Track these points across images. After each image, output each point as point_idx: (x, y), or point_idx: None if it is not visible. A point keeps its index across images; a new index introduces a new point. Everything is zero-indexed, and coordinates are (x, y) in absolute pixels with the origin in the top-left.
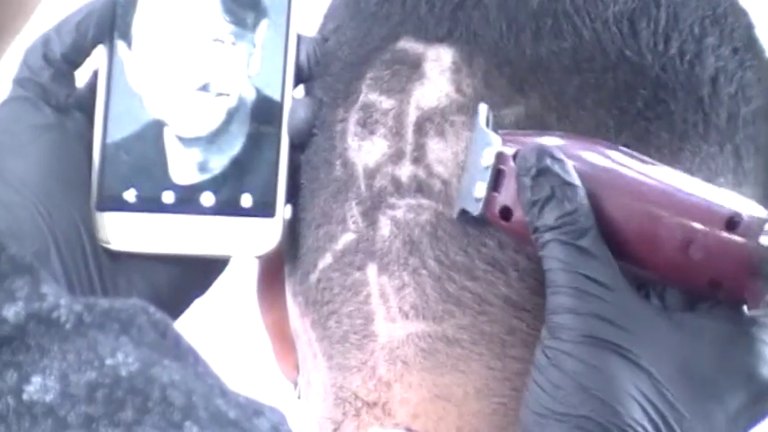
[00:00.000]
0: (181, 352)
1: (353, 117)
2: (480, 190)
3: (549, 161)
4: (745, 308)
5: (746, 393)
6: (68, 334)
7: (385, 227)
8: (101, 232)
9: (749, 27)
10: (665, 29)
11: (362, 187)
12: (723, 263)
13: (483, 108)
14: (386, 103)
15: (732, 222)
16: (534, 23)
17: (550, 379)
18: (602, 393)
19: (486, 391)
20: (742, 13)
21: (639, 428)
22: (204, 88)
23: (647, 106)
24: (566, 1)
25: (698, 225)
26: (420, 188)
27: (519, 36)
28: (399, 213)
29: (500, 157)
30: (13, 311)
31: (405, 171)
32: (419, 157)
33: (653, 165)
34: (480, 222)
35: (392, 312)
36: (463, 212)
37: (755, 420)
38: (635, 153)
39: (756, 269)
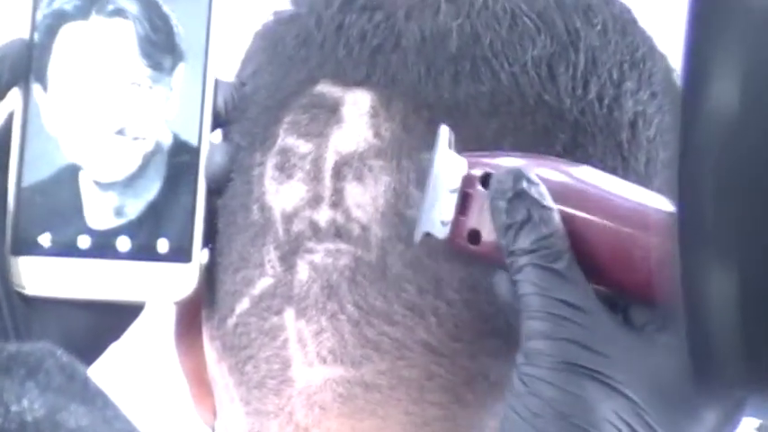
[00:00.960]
0: (89, 395)
1: (271, 161)
2: (447, 213)
3: (525, 184)
4: None
5: (722, 409)
6: None
7: (303, 271)
8: (15, 276)
9: (668, 71)
10: (584, 73)
11: (280, 231)
12: None
13: (445, 130)
14: (304, 147)
15: None
16: (453, 67)
17: (528, 406)
18: (580, 420)
19: None
20: (660, 58)
21: None
22: (120, 132)
23: (566, 150)
24: (484, 45)
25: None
26: (338, 233)
27: (437, 80)
28: (317, 258)
29: (467, 180)
30: None
31: (323, 215)
32: (337, 202)
33: (618, 181)
34: (446, 246)
35: (310, 357)
36: (427, 236)
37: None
38: (597, 170)
39: None
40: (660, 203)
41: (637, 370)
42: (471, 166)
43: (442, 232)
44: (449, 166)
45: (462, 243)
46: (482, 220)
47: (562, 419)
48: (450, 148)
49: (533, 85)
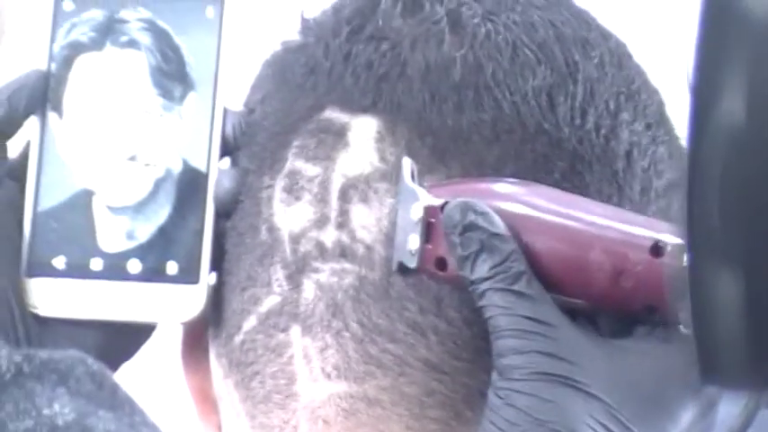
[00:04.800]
0: (117, 402)
1: (279, 184)
2: (414, 243)
3: (473, 216)
4: (681, 327)
5: (696, 406)
6: (7, 385)
7: (309, 290)
8: (29, 297)
9: (660, 104)
10: (582, 104)
11: (288, 251)
12: (654, 288)
13: (407, 162)
14: (311, 170)
15: (657, 249)
16: (456, 95)
17: (505, 417)
18: (557, 425)
19: None
20: (654, 91)
21: None
22: (132, 159)
23: (564, 177)
24: (486, 75)
25: (625, 255)
26: (344, 253)
27: (441, 107)
28: (323, 277)
29: (428, 210)
30: None
31: (329, 236)
32: (343, 223)
33: (577, 198)
34: (416, 274)
35: (315, 373)
36: (401, 265)
37: (704, 428)
38: (557, 189)
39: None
40: (616, 218)
41: (608, 375)
42: (435, 194)
43: (412, 261)
44: (412, 197)
45: (431, 270)
46: (447, 247)
47: (540, 425)
48: (413, 179)
49: (533, 114)
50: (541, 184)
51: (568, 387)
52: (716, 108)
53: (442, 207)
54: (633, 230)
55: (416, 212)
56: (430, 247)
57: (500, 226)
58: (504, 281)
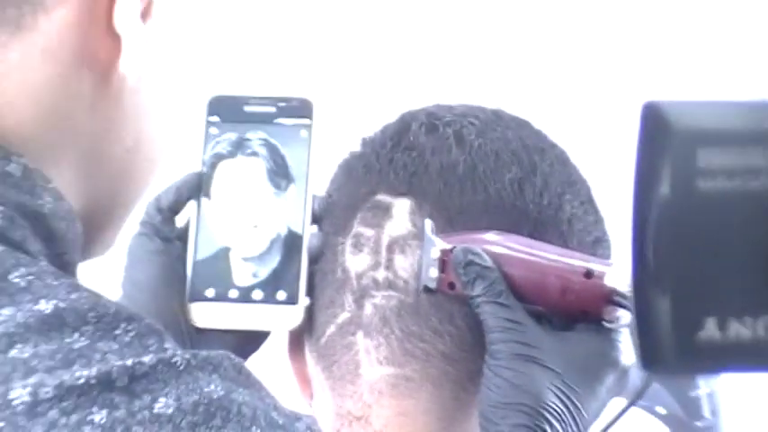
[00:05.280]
0: (251, 383)
1: (348, 241)
2: (434, 273)
3: (471, 256)
4: (604, 323)
5: (614, 373)
6: (181, 372)
7: (368, 308)
8: (191, 315)
9: (588, 189)
10: (540, 189)
11: (354, 284)
12: (587, 299)
13: (428, 223)
14: (369, 232)
15: (588, 273)
16: (459, 185)
17: (495, 384)
18: (528, 387)
19: (429, 411)
20: (584, 180)
21: (553, 405)
22: (256, 227)
23: (530, 236)
24: (479, 171)
25: (568, 279)
26: (390, 285)
27: (451, 193)
28: (377, 300)
29: (443, 251)
30: (147, 358)
31: (380, 274)
32: (389, 266)
33: (537, 243)
34: (436, 294)
35: (372, 361)
36: (425, 287)
37: (621, 389)
38: (524, 237)
39: (607, 300)
40: (563, 255)
41: (560, 355)
42: (446, 242)
43: (432, 284)
44: (431, 244)
45: (445, 290)
46: (455, 277)
47: (517, 388)
48: (432, 233)
49: (509, 197)
50: (513, 235)
51: (535, 363)
52: (651, 188)
53: (452, 250)
54: (573, 262)
55: (435, 253)
56: (444, 275)
57: (488, 261)
58: (491, 296)
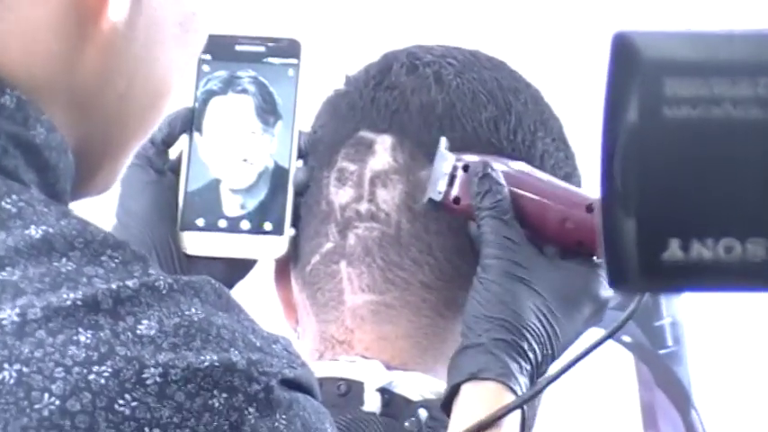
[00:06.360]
0: (230, 307)
1: (333, 176)
2: (442, 186)
3: (489, 170)
4: (595, 258)
5: (593, 306)
6: (164, 296)
7: (351, 239)
8: (182, 243)
9: (561, 127)
10: (514, 127)
11: (338, 216)
12: (585, 231)
13: (443, 141)
14: (352, 167)
15: (590, 207)
16: (439, 122)
17: (482, 296)
18: (512, 305)
19: (408, 335)
20: (556, 118)
21: (533, 325)
22: (245, 160)
23: None
24: (457, 110)
25: (570, 209)
26: (372, 217)
27: (430, 129)
28: (360, 231)
29: (455, 167)
30: (131, 282)
31: (363, 207)
32: (372, 199)
33: (541, 173)
34: (441, 207)
35: (354, 289)
36: (430, 200)
37: (596, 321)
38: (527, 165)
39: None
40: (566, 187)
41: (548, 280)
42: (458, 159)
43: (438, 197)
44: (443, 158)
45: (449, 204)
46: (462, 191)
47: (502, 304)
48: (445, 149)
49: (485, 134)
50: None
51: (522, 284)
52: (620, 115)
53: (463, 166)
54: (577, 193)
55: (447, 168)
56: (450, 189)
57: (502, 178)
58: (497, 212)
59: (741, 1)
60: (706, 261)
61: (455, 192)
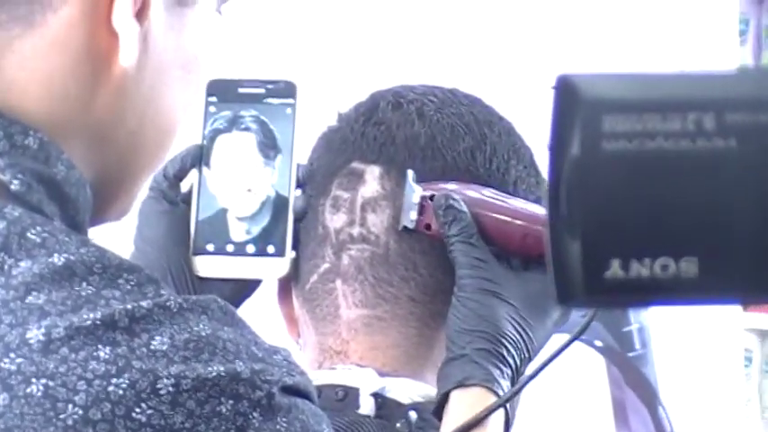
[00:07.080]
0: (234, 322)
1: (328, 203)
2: (413, 215)
3: (450, 201)
4: None
5: (559, 309)
6: (174, 314)
7: (345, 259)
8: (194, 266)
9: (532, 155)
10: (489, 155)
11: (333, 239)
12: (544, 244)
13: (410, 173)
14: (345, 195)
15: None
16: (422, 153)
17: (461, 312)
18: (489, 318)
19: (398, 345)
20: (527, 147)
21: (510, 334)
22: (249, 191)
23: None
24: (438, 142)
25: (531, 225)
26: (363, 239)
27: (414, 160)
28: (353, 252)
29: (423, 197)
30: (145, 302)
31: (355, 230)
32: (363, 223)
33: (502, 194)
34: (414, 233)
35: (349, 304)
36: (404, 228)
37: (563, 322)
38: (494, 190)
39: None
40: (525, 206)
41: (517, 291)
42: (426, 189)
43: (411, 225)
44: (412, 190)
45: (422, 230)
46: (432, 219)
47: (479, 317)
48: (414, 181)
49: (463, 163)
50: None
51: (495, 297)
52: (564, 149)
53: (430, 197)
54: (536, 212)
55: (416, 198)
56: (422, 217)
57: (464, 206)
58: (464, 237)
59: (672, 43)
60: (644, 279)
61: (426, 219)
